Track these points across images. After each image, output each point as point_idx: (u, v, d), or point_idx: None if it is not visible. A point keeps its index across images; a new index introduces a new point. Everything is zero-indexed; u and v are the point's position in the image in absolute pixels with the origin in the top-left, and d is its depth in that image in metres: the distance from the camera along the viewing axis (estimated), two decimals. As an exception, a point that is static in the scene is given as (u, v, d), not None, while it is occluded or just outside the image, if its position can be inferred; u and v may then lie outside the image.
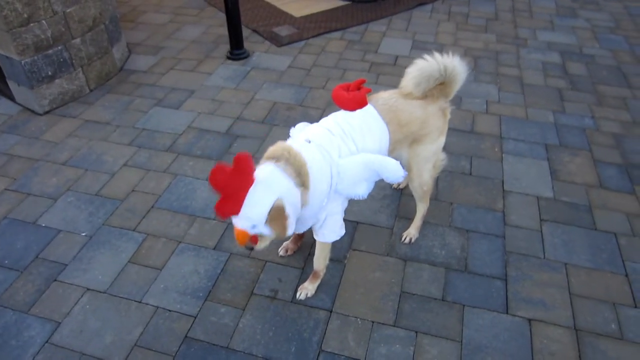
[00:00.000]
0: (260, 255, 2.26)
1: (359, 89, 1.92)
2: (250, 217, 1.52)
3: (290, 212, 1.58)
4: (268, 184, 1.55)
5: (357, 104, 1.87)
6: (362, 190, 1.79)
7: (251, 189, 1.50)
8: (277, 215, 1.54)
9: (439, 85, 1.97)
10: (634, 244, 2.33)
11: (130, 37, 4.21)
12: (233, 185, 1.47)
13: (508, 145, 2.96)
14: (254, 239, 1.61)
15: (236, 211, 1.51)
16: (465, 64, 1.94)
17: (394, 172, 1.75)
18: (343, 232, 1.95)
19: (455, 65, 1.90)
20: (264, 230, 1.56)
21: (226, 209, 1.51)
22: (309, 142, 1.74)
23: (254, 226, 1.54)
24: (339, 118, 1.88)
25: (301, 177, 1.64)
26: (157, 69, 3.76)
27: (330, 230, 1.91)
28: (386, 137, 1.89)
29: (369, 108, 1.88)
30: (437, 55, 1.88)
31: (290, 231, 1.61)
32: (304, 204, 1.68)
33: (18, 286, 2.13)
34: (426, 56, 1.89)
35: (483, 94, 3.46)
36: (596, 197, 2.59)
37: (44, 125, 3.14)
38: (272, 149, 1.71)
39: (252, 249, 1.66)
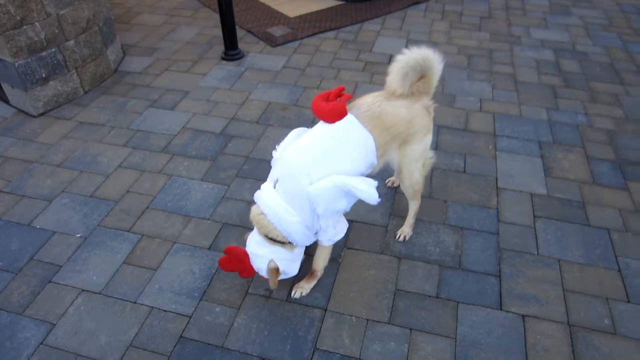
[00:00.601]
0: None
1: (339, 96, 1.87)
2: (260, 269, 1.98)
3: (283, 264, 1.94)
4: (256, 255, 1.95)
5: (336, 116, 1.81)
6: (342, 206, 1.81)
7: (249, 259, 1.96)
8: (269, 272, 1.95)
9: (420, 81, 1.98)
10: (626, 239, 2.34)
11: (124, 39, 4.21)
12: (238, 266, 1.98)
13: (502, 143, 2.98)
14: (277, 273, 1.99)
15: (254, 274, 2.02)
16: (439, 55, 1.96)
17: (365, 194, 1.75)
18: (337, 238, 2.00)
19: (430, 55, 1.91)
20: (274, 264, 1.96)
21: (247, 275, 2.02)
22: (277, 182, 1.84)
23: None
24: (318, 133, 1.84)
25: (271, 238, 1.90)
26: (151, 70, 3.76)
27: (324, 238, 2.00)
28: (371, 144, 1.86)
29: (349, 118, 1.83)
30: (414, 47, 1.91)
31: (291, 274, 2.04)
32: (294, 246, 1.95)
33: (13, 288, 2.13)
34: (404, 50, 1.91)
35: (477, 92, 3.47)
36: (589, 194, 2.61)
37: (39, 128, 3.14)
38: (250, 216, 1.96)
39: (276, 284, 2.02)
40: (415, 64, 1.91)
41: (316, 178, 1.77)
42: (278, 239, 1.88)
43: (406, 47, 1.94)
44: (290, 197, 1.80)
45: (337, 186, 1.75)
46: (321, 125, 1.87)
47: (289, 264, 1.97)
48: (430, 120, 2.05)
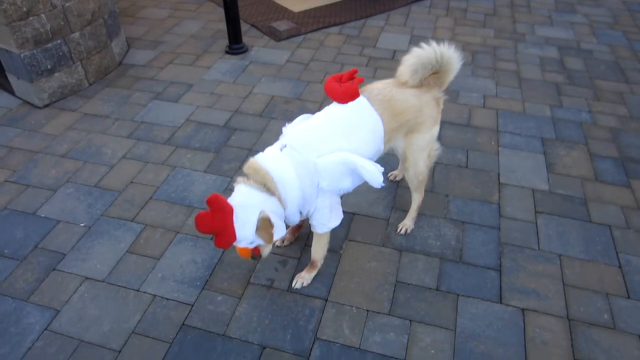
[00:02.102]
0: (257, 245, 2.29)
1: (351, 79, 1.92)
2: (245, 237, 1.70)
3: (275, 219, 1.72)
4: (245, 206, 1.70)
5: (349, 97, 1.86)
6: (346, 185, 1.82)
7: (234, 217, 1.66)
8: (262, 225, 1.70)
9: (433, 75, 1.98)
10: (628, 236, 2.34)
11: (129, 32, 4.22)
12: (218, 223, 1.65)
13: (505, 139, 2.98)
14: (256, 251, 1.81)
15: (231, 241, 1.69)
16: (460, 54, 1.96)
17: (371, 175, 1.76)
18: (333, 225, 1.96)
19: (450, 54, 1.92)
20: (260, 241, 1.74)
21: (224, 242, 1.69)
22: (284, 146, 1.80)
23: (251, 242, 1.73)
24: (330, 112, 1.89)
25: (268, 188, 1.76)
26: (156, 63, 3.78)
27: (318, 222, 1.94)
28: (380, 128, 1.89)
29: (361, 100, 1.88)
30: (433, 43, 1.91)
31: (278, 235, 1.76)
32: (283, 205, 1.80)
33: (18, 275, 2.16)
34: (423, 44, 1.91)
35: (480, 88, 3.47)
36: (591, 190, 2.61)
37: (44, 119, 3.16)
38: (244, 167, 1.84)
39: (259, 258, 1.86)
40: (428, 62, 1.91)
41: (324, 152, 1.78)
42: (272, 190, 1.76)
43: (410, 43, 1.95)
44: (295, 166, 1.77)
45: (344, 163, 1.75)
46: (333, 105, 1.91)
47: (279, 220, 1.76)
48: (439, 112, 2.06)
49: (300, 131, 1.85)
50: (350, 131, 1.83)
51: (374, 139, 1.89)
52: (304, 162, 1.77)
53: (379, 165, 1.79)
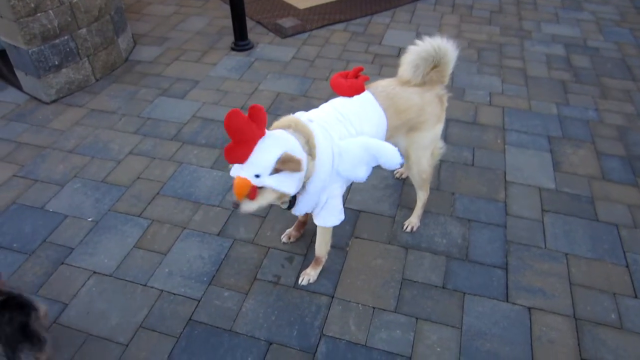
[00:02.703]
0: (264, 242, 2.29)
1: (356, 77, 1.93)
2: (257, 164, 1.52)
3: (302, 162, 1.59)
4: (278, 139, 1.58)
5: (354, 91, 1.89)
6: (362, 173, 1.79)
7: (261, 140, 1.53)
8: (288, 157, 1.54)
9: (434, 70, 1.99)
10: (635, 235, 2.34)
11: (135, 28, 4.23)
12: (246, 132, 1.49)
13: (511, 137, 2.97)
14: (253, 191, 1.57)
15: (244, 157, 1.52)
16: (454, 44, 1.96)
17: (391, 157, 1.74)
18: (342, 217, 1.94)
19: (444, 44, 1.92)
20: (267, 181, 1.55)
21: (236, 153, 1.52)
22: (311, 121, 1.77)
23: (257, 175, 1.54)
24: (337, 103, 1.90)
25: (309, 146, 1.67)
26: (162, 60, 3.78)
27: (330, 213, 1.90)
28: (384, 123, 1.90)
29: (366, 94, 1.90)
30: (426, 38, 1.92)
31: (294, 190, 1.61)
32: (309, 174, 1.70)
33: (27, 268, 2.18)
34: (417, 41, 1.92)
35: (486, 86, 3.46)
36: (598, 189, 2.60)
37: (51, 114, 3.18)
38: (278, 122, 1.75)
39: (238, 205, 1.60)
40: (427, 55, 1.92)
41: (343, 136, 1.78)
42: (311, 150, 1.66)
43: (416, 40, 1.95)
44: (322, 143, 1.71)
45: (365, 147, 1.74)
46: (339, 98, 1.92)
47: (296, 176, 1.61)
48: (443, 110, 2.06)
49: (319, 113, 1.85)
50: (357, 121, 1.84)
51: (377, 132, 1.89)
52: (330, 139, 1.75)
53: (395, 147, 1.78)
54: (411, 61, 1.93)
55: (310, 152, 1.67)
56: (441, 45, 1.91)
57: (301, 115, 1.85)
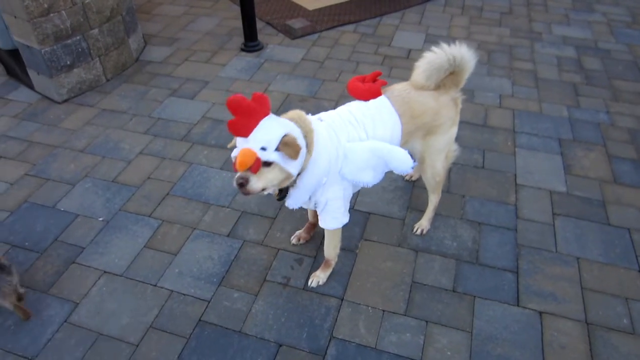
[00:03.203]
0: (273, 243, 2.30)
1: (374, 81, 1.94)
2: (262, 138, 1.52)
3: (302, 151, 1.60)
4: (282, 122, 1.60)
5: (371, 95, 1.89)
6: (367, 178, 1.79)
7: (265, 119, 1.54)
8: (291, 141, 1.55)
9: (450, 75, 1.97)
10: (648, 239, 2.32)
11: (145, 29, 4.25)
12: (249, 109, 1.50)
13: (521, 139, 2.95)
14: (257, 165, 1.53)
15: (249, 129, 1.52)
16: (474, 52, 1.94)
17: (402, 161, 1.74)
18: (345, 220, 1.93)
19: (463, 54, 1.90)
20: (273, 156, 1.54)
21: (239, 125, 1.52)
22: (321, 120, 1.78)
23: (263, 148, 1.53)
24: (352, 107, 1.90)
25: (307, 140, 1.67)
26: (172, 60, 3.80)
27: (331, 216, 1.89)
28: (398, 128, 1.90)
29: (382, 99, 1.90)
30: (444, 46, 1.89)
31: (295, 170, 1.61)
32: (303, 168, 1.69)
33: (38, 267, 2.20)
34: (434, 48, 1.90)
35: (496, 88, 3.44)
36: (610, 192, 2.58)
37: (63, 113, 3.20)
38: (284, 114, 1.75)
39: (246, 181, 1.55)
40: (440, 66, 1.90)
41: (352, 139, 1.78)
42: (309, 144, 1.67)
43: (425, 42, 1.94)
44: (330, 140, 1.74)
45: (373, 150, 1.74)
46: (355, 102, 1.92)
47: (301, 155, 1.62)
48: (457, 112, 2.05)
49: (331, 115, 1.85)
50: (371, 126, 1.83)
51: (391, 137, 1.89)
52: (336, 141, 1.75)
53: (406, 151, 1.78)
54: (424, 70, 1.92)
55: (308, 146, 1.67)
56: (457, 54, 1.89)
57: (313, 116, 1.85)
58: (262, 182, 1.58)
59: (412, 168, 1.78)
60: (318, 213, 1.93)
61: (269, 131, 1.53)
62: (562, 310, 2.01)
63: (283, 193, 1.78)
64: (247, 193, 1.58)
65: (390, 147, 1.75)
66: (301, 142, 1.62)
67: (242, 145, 1.54)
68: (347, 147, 1.75)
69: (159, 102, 3.31)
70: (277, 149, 1.55)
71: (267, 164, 1.56)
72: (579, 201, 2.52)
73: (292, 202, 1.82)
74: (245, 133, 1.52)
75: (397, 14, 4.51)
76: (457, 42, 1.91)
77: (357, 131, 1.81)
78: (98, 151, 2.88)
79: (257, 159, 1.52)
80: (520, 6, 4.73)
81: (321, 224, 1.95)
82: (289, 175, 1.64)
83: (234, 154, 1.59)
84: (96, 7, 3.23)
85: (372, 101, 1.89)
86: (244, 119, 1.51)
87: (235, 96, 1.51)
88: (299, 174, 1.71)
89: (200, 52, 3.92)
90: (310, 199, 1.83)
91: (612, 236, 2.33)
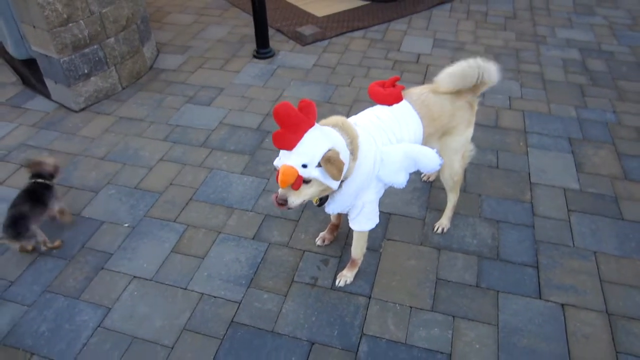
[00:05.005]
0: (299, 245, 2.35)
1: (393, 86, 2.00)
2: (305, 153, 1.53)
3: (345, 162, 1.61)
4: (327, 134, 1.60)
5: (394, 99, 1.95)
6: (402, 179, 1.84)
7: (309, 131, 1.54)
8: (334, 158, 1.55)
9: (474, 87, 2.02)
10: (661, 233, 2.39)
11: (157, 37, 4.31)
12: (295, 121, 1.51)
13: (532, 139, 3.03)
14: (298, 183, 1.56)
15: (293, 143, 1.53)
16: (499, 71, 1.97)
17: (431, 160, 1.81)
18: (377, 220, 2.00)
19: (491, 70, 1.95)
20: (314, 172, 1.56)
21: (284, 138, 1.53)
22: (357, 125, 1.83)
23: (305, 165, 1.55)
24: (378, 112, 1.96)
25: (352, 146, 1.70)
26: (185, 68, 3.86)
27: (366, 218, 1.95)
28: (420, 130, 1.96)
29: (404, 103, 1.96)
30: (478, 59, 1.93)
31: (336, 185, 1.64)
32: (348, 174, 1.73)
33: (67, 274, 2.23)
34: (469, 59, 1.95)
35: (505, 90, 3.52)
36: (622, 189, 2.65)
37: (80, 122, 3.25)
38: (326, 120, 1.78)
39: (285, 201, 1.60)
40: (470, 79, 1.94)
41: (385, 143, 1.83)
42: (354, 151, 1.70)
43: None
44: (370, 145, 1.78)
45: (405, 152, 1.79)
46: (379, 107, 1.97)
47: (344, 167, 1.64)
48: (473, 114, 2.12)
49: (363, 119, 1.90)
50: (397, 129, 1.90)
51: (415, 140, 1.95)
52: (374, 145, 1.81)
53: (434, 150, 1.84)
54: (451, 75, 1.95)
55: (353, 152, 1.71)
56: (487, 70, 1.92)
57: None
58: (302, 198, 1.63)
59: (440, 166, 1.85)
60: (351, 217, 1.97)
61: (313, 146, 1.53)
62: (583, 302, 2.07)
63: (323, 199, 1.83)
64: (286, 209, 1.63)
65: (420, 147, 1.83)
66: (344, 153, 1.62)
67: (285, 159, 1.56)
68: (383, 152, 1.81)
69: (175, 109, 3.36)
70: (319, 164, 1.56)
71: (308, 180, 1.59)
72: (592, 197, 2.60)
73: (335, 207, 1.87)
74: (289, 146, 1.54)
75: (404, 19, 4.60)
76: (485, 57, 1.95)
77: (387, 135, 1.87)
78: (118, 158, 2.92)
79: (299, 177, 1.54)
80: (523, 11, 4.84)
81: (354, 226, 2.00)
82: (328, 188, 1.67)
83: (277, 162, 1.62)
84: (113, 17, 3.28)
85: (395, 105, 1.95)
86: (289, 132, 1.51)
87: (283, 105, 1.51)
88: (344, 180, 1.75)
89: (213, 60, 3.98)
90: (350, 203, 1.88)
91: (627, 230, 2.40)
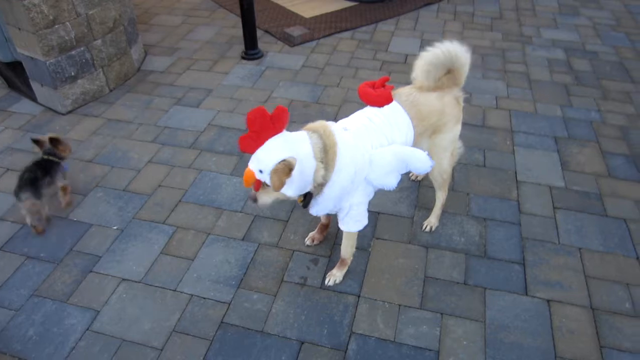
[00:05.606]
0: (288, 245, 2.36)
1: (383, 86, 2.02)
2: (260, 160, 1.61)
3: (296, 176, 1.64)
4: (289, 142, 1.64)
5: (384, 101, 1.97)
6: (392, 181, 1.86)
7: (273, 138, 1.61)
8: (280, 169, 1.58)
9: (448, 75, 2.05)
10: (643, 229, 2.44)
11: (145, 39, 4.29)
12: (263, 127, 1.58)
13: (519, 138, 3.07)
14: (257, 185, 1.67)
15: (253, 148, 1.62)
16: (465, 48, 2.00)
17: (422, 162, 1.83)
18: (366, 222, 2.02)
19: (455, 48, 1.97)
20: (267, 179, 1.62)
21: (247, 142, 1.62)
22: (346, 129, 1.85)
23: (260, 171, 1.63)
24: (369, 113, 1.97)
25: (327, 155, 1.73)
26: (173, 69, 3.85)
27: (354, 220, 1.98)
28: (411, 131, 1.98)
29: (395, 104, 1.98)
30: (437, 43, 1.97)
31: (291, 193, 1.69)
32: (319, 181, 1.75)
33: (56, 277, 2.21)
34: (428, 47, 1.99)
35: (492, 90, 3.57)
36: (605, 186, 2.71)
37: (68, 125, 3.22)
38: (311, 124, 1.82)
39: (254, 199, 1.74)
40: (437, 61, 1.99)
41: (375, 146, 1.85)
42: (326, 159, 1.72)
43: (421, 47, 2.03)
44: (356, 149, 1.80)
45: (395, 154, 1.81)
46: (370, 108, 1.99)
47: (300, 181, 1.67)
48: (460, 110, 2.15)
49: (354, 122, 1.92)
50: (389, 131, 1.91)
51: (406, 141, 1.97)
52: (362, 149, 1.82)
53: (425, 152, 1.86)
54: (422, 66, 2.01)
55: (327, 161, 1.73)
56: (451, 50, 1.97)
57: (338, 124, 1.91)
58: (269, 197, 1.75)
59: (431, 167, 1.87)
60: (340, 217, 1.99)
61: (269, 154, 1.59)
62: (568, 297, 2.11)
63: (307, 199, 1.84)
64: (260, 206, 1.76)
65: (411, 149, 1.84)
66: (307, 162, 1.64)
67: (250, 162, 1.66)
68: (373, 154, 1.83)
69: (163, 111, 3.35)
70: None
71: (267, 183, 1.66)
72: (577, 195, 2.65)
73: (318, 209, 1.89)
74: (250, 150, 1.63)
75: (391, 20, 4.64)
76: (449, 40, 1.98)
77: (378, 137, 1.88)
78: (107, 161, 2.91)
79: (257, 181, 1.66)
80: (509, 11, 4.90)
81: (343, 227, 2.02)
82: (280, 194, 1.71)
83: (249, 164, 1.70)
84: (99, 18, 3.26)
85: (386, 107, 1.97)
86: (252, 138, 1.60)
87: (256, 110, 1.58)
88: (323, 184, 1.78)
89: (201, 61, 3.97)
90: (334, 206, 1.90)
91: (610, 227, 2.45)
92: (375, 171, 1.83)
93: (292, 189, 1.68)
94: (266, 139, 1.60)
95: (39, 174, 2.37)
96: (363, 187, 1.91)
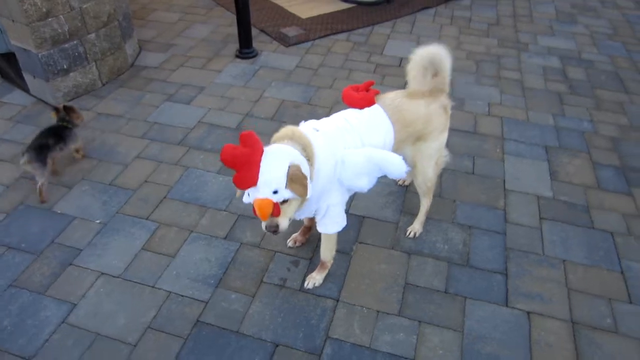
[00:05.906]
0: (270, 245, 2.34)
1: (367, 90, 2.01)
2: (270, 180, 1.55)
3: (309, 173, 1.64)
4: (278, 153, 1.62)
5: (365, 103, 1.97)
6: (363, 184, 1.84)
7: (263, 158, 1.56)
8: (296, 176, 1.57)
9: (435, 79, 2.05)
10: (629, 243, 2.41)
11: (140, 34, 4.28)
12: (245, 158, 1.52)
13: (509, 146, 3.05)
14: (277, 210, 1.59)
15: (254, 179, 1.54)
16: (445, 48, 2.02)
17: (396, 167, 1.80)
18: (344, 223, 2.00)
19: (435, 50, 1.99)
20: (287, 193, 1.57)
21: (244, 179, 1.55)
22: (317, 130, 1.84)
23: (275, 191, 1.56)
24: (346, 114, 1.97)
25: (307, 153, 1.72)
26: (167, 66, 3.84)
27: (331, 220, 1.96)
28: (391, 135, 1.96)
29: (376, 107, 1.98)
30: (420, 47, 2.01)
31: (311, 193, 1.66)
32: (310, 178, 1.73)
33: (34, 269, 2.21)
34: (412, 51, 2.02)
35: (485, 97, 3.55)
36: (594, 198, 2.68)
37: (58, 117, 3.21)
38: (277, 134, 1.81)
39: (276, 228, 1.62)
40: (426, 63, 2.01)
41: (349, 146, 1.84)
42: (309, 158, 1.72)
43: (414, 50, 2.04)
44: (328, 149, 1.79)
45: (369, 157, 1.79)
46: (349, 110, 1.99)
47: (308, 177, 1.68)
48: (447, 119, 2.13)
49: (326, 123, 1.91)
50: (366, 133, 1.90)
51: (384, 144, 1.95)
52: (334, 148, 1.81)
53: (400, 156, 1.84)
54: (415, 69, 2.02)
55: (309, 158, 1.72)
56: (432, 51, 1.98)
57: (309, 124, 1.91)
58: (288, 217, 1.67)
59: (406, 173, 1.85)
60: (317, 219, 1.98)
61: (274, 171, 1.55)
62: (549, 310, 2.09)
63: None
64: (280, 233, 1.66)
65: (385, 153, 1.82)
66: (304, 164, 1.65)
67: (255, 193, 1.58)
68: (345, 154, 1.81)
69: (154, 106, 3.34)
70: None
71: (285, 201, 1.60)
72: (565, 206, 2.62)
73: (300, 213, 1.86)
74: (252, 183, 1.55)
75: (388, 23, 4.62)
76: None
77: (353, 138, 1.87)
78: (94, 154, 2.90)
79: (275, 205, 1.57)
80: (506, 17, 4.88)
81: (321, 229, 2.00)
82: (305, 199, 1.69)
83: (247, 200, 1.64)
84: (93, 12, 3.26)
85: (366, 109, 1.96)
86: (245, 171, 1.53)
87: (224, 150, 1.52)
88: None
89: (195, 59, 3.96)
90: (314, 206, 1.89)
91: (596, 239, 2.43)
92: (347, 171, 1.81)
93: (311, 189, 1.67)
94: (257, 164, 1.54)
95: (50, 141, 2.59)
96: (337, 188, 1.89)
